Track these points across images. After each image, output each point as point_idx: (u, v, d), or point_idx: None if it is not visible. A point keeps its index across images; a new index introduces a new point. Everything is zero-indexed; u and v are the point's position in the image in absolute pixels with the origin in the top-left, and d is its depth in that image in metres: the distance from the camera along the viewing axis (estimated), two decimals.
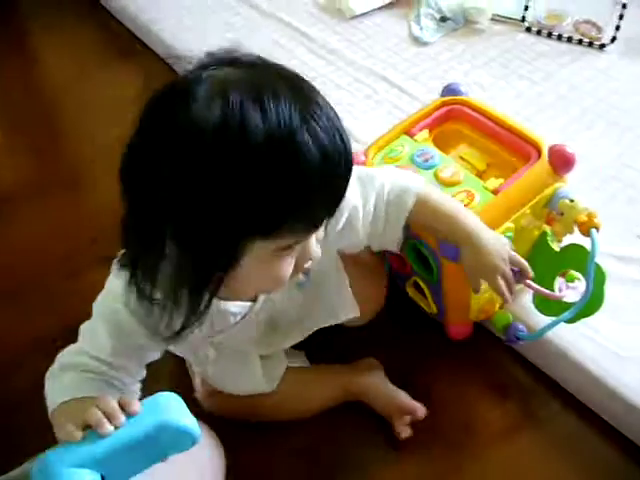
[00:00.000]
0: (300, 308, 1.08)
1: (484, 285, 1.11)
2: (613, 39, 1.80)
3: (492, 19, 1.91)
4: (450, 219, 1.01)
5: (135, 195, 0.76)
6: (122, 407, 0.71)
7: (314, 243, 0.81)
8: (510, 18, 1.92)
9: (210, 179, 0.69)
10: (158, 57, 1.97)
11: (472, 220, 1.01)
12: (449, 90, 1.27)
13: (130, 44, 2.07)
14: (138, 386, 0.91)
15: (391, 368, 1.20)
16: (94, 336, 0.86)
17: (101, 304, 0.89)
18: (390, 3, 2.00)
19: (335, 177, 0.73)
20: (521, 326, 1.15)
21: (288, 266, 0.79)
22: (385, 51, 1.85)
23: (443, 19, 1.92)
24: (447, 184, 1.12)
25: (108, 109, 1.82)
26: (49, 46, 2.13)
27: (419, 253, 1.14)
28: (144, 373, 0.91)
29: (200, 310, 0.80)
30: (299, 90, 0.73)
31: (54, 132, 1.87)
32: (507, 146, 1.17)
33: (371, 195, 0.98)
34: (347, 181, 0.76)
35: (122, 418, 0.70)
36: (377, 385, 1.16)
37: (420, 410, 1.12)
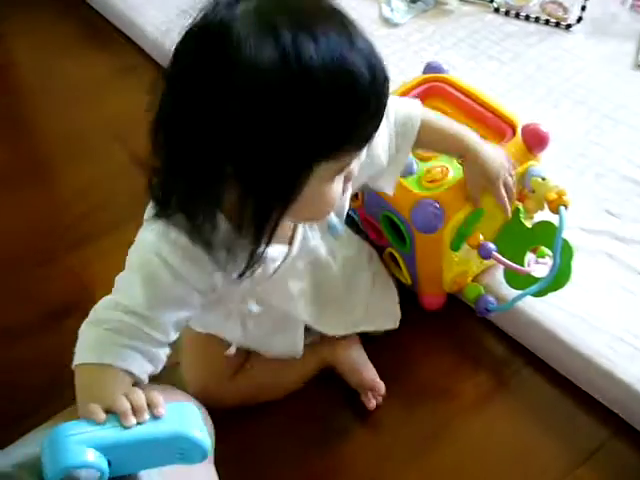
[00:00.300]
0: (340, 283, 1.13)
1: (457, 258, 1.15)
2: (579, 19, 1.84)
3: (461, 0, 1.94)
4: (452, 136, 1.07)
5: (187, 140, 0.77)
6: (149, 404, 0.72)
7: (357, 163, 0.84)
8: None
9: (276, 113, 0.72)
10: (137, 47, 1.98)
11: (472, 134, 1.09)
12: (431, 68, 1.30)
13: (107, 35, 2.06)
14: (166, 352, 0.88)
15: (366, 338, 1.23)
16: (129, 287, 0.85)
17: (134, 256, 0.87)
18: None
19: (381, 94, 0.77)
20: (491, 298, 1.19)
21: (339, 188, 0.83)
22: None
23: (413, 0, 1.94)
24: (423, 159, 1.16)
25: (83, 101, 1.83)
26: (22, 40, 2.12)
27: (393, 224, 1.18)
28: (175, 336, 0.88)
29: (265, 244, 0.83)
30: (332, 13, 0.76)
31: (28, 125, 1.85)
32: (483, 124, 1.21)
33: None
34: (388, 97, 0.80)
35: (147, 417, 0.71)
36: (347, 358, 1.19)
37: (380, 388, 1.16)
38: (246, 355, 1.16)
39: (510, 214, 1.12)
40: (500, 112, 1.20)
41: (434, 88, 1.27)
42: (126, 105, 1.77)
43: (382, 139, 1.01)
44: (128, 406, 0.72)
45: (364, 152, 0.85)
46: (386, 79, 0.77)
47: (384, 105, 0.79)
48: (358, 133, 0.77)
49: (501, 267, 1.23)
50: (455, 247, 1.15)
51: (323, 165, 0.77)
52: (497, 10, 1.92)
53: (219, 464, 0.96)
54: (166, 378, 0.93)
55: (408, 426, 1.16)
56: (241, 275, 0.87)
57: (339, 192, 0.84)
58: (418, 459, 1.12)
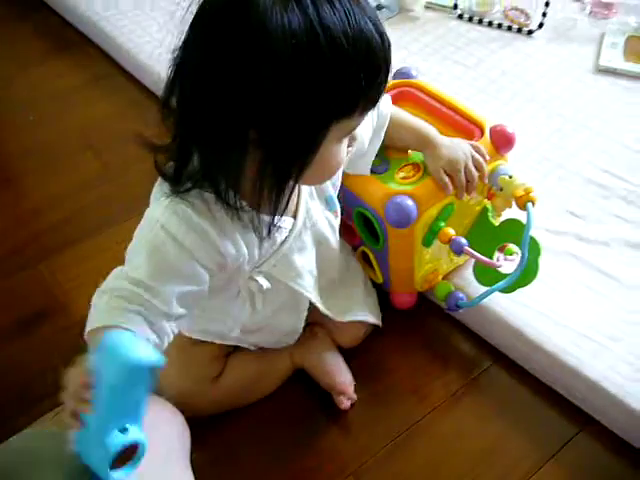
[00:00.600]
0: (340, 262, 1.18)
1: (428, 255, 1.17)
2: (540, 25, 1.88)
3: (426, 7, 1.98)
4: (416, 130, 1.15)
5: (214, 106, 0.80)
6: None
7: (359, 126, 0.89)
8: (443, 6, 1.99)
9: (301, 74, 0.76)
10: (107, 57, 1.98)
11: (433, 129, 1.16)
12: (401, 74, 1.32)
13: (76, 44, 2.06)
14: (172, 326, 0.89)
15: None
16: (135, 258, 0.87)
17: (142, 229, 0.90)
18: None
19: (389, 58, 0.82)
20: (461, 295, 1.22)
21: (345, 149, 0.89)
22: None
23: (378, 7, 1.97)
24: (395, 157, 1.18)
25: (53, 110, 1.83)
26: None
27: (366, 222, 1.20)
28: (180, 311, 0.89)
29: (285, 203, 0.88)
30: None
31: None
32: (453, 126, 1.24)
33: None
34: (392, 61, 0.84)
35: (87, 394, 0.73)
36: (319, 362, 1.21)
37: (348, 393, 1.18)
38: (224, 363, 1.18)
39: (462, 198, 1.15)
40: (468, 114, 1.23)
41: (404, 93, 1.29)
42: (96, 114, 1.78)
43: (366, 122, 1.05)
44: (72, 406, 0.74)
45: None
46: (390, 44, 0.82)
47: (390, 69, 0.84)
48: (370, 94, 0.82)
49: (469, 267, 1.26)
50: (427, 243, 1.17)
51: (338, 125, 0.82)
52: (461, 16, 1.96)
53: (197, 470, 0.97)
54: None
55: (380, 425, 1.17)
56: (261, 240, 0.91)
57: (345, 154, 0.89)
58: (392, 458, 1.13)
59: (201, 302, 0.95)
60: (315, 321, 1.22)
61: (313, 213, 1.05)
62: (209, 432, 1.14)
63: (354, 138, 0.90)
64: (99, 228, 1.46)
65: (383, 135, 1.14)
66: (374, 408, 1.20)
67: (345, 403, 1.18)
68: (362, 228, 1.22)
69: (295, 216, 1.01)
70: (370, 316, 1.23)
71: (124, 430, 0.74)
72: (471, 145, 1.16)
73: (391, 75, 1.20)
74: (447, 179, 1.12)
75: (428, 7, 1.99)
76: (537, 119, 1.64)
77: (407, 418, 1.18)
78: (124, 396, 0.74)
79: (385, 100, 1.15)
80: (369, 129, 1.11)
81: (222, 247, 0.90)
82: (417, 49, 1.86)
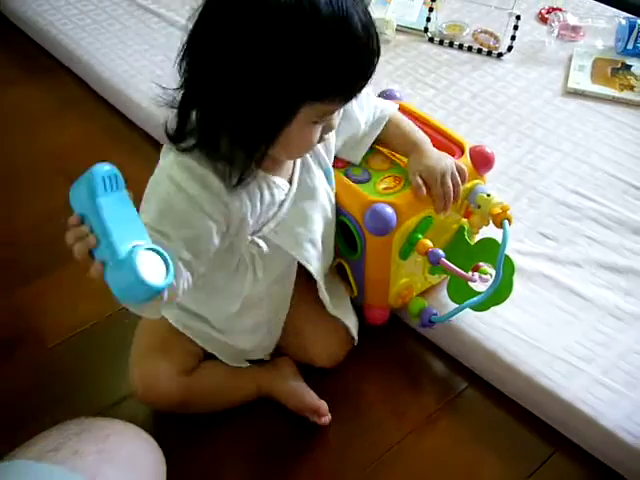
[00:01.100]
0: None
1: (404, 269, 1.19)
2: (509, 48, 1.92)
3: (397, 30, 2.00)
4: (407, 133, 1.19)
5: (211, 76, 0.87)
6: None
7: (337, 117, 0.96)
8: (413, 29, 2.02)
9: (288, 49, 0.82)
10: (79, 80, 1.97)
11: (422, 135, 1.19)
12: (385, 95, 1.34)
13: (48, 68, 2.04)
14: (183, 271, 0.93)
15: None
16: (146, 203, 0.93)
17: (152, 180, 0.96)
18: None
19: (373, 53, 0.87)
20: (435, 310, 1.23)
21: (317, 133, 0.94)
22: None
23: None
24: (377, 169, 1.20)
25: (25, 134, 1.81)
26: None
27: (345, 232, 1.20)
28: (187, 255, 0.93)
29: (257, 158, 0.93)
30: None
31: None
32: (434, 145, 1.24)
33: (369, 109, 1.17)
34: (377, 59, 0.89)
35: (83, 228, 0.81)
36: (286, 386, 1.21)
37: (322, 407, 1.18)
38: (196, 363, 1.18)
39: (439, 212, 1.17)
40: (449, 135, 1.26)
41: None
42: (69, 138, 1.77)
43: (366, 112, 1.16)
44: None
45: (341, 110, 0.96)
46: (378, 40, 0.87)
47: (374, 65, 0.88)
48: (346, 83, 0.87)
49: (443, 288, 1.27)
50: (404, 255, 1.18)
51: (310, 107, 0.87)
52: (431, 39, 1.98)
53: None
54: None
55: (356, 449, 1.17)
56: (241, 177, 0.94)
57: (317, 137, 0.95)
58: None
59: (201, 281, 0.99)
60: (289, 344, 1.24)
61: (312, 184, 1.10)
62: (184, 454, 1.14)
63: (330, 128, 0.96)
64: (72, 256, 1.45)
65: (380, 131, 1.19)
66: (350, 432, 1.19)
67: (324, 419, 1.18)
68: (340, 238, 1.23)
69: (291, 181, 1.07)
70: (353, 329, 1.24)
71: (135, 247, 0.78)
72: (455, 163, 1.17)
73: (376, 94, 1.25)
74: (421, 182, 1.14)
75: (399, 30, 2.01)
76: (508, 141, 1.66)
77: (384, 442, 1.18)
78: (114, 214, 0.79)
79: (391, 104, 1.22)
80: (365, 119, 1.16)
81: (225, 197, 0.95)
82: (388, 72, 1.88)
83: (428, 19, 1.97)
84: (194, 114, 0.94)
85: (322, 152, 1.11)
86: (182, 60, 0.90)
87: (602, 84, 1.80)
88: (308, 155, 1.08)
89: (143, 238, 0.80)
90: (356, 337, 1.25)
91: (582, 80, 1.81)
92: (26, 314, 1.38)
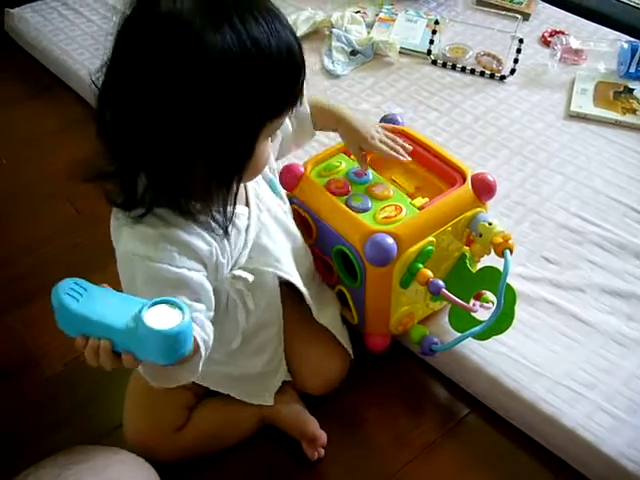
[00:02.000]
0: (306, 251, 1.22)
1: (405, 297, 1.19)
2: (512, 71, 1.92)
3: (400, 52, 2.01)
4: (328, 111, 1.23)
5: (157, 134, 0.85)
6: None
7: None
8: (416, 51, 2.02)
9: (241, 84, 0.84)
10: (82, 101, 1.97)
11: (344, 109, 1.25)
12: (387, 120, 1.35)
13: (52, 88, 2.05)
14: (209, 323, 0.95)
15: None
16: (135, 293, 0.89)
17: (123, 266, 0.94)
18: (302, 37, 2.06)
19: (304, 63, 0.91)
20: (436, 339, 1.23)
21: (269, 146, 0.97)
22: None
23: (353, 52, 2.00)
24: (378, 198, 1.19)
25: (28, 155, 1.82)
26: None
27: (345, 260, 1.20)
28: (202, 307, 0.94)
29: (234, 197, 0.94)
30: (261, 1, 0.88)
31: None
32: (436, 172, 1.26)
33: None
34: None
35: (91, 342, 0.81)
36: (288, 415, 1.20)
37: (322, 439, 1.18)
38: (188, 411, 1.17)
39: (403, 159, 1.20)
40: (451, 162, 1.25)
41: None
42: (71, 159, 1.77)
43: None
44: None
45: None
46: (301, 48, 0.90)
47: (304, 74, 0.92)
48: (295, 92, 0.91)
49: (445, 314, 1.27)
50: (405, 284, 1.18)
51: (269, 125, 0.90)
52: (435, 62, 1.99)
53: None
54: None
55: (357, 476, 1.17)
56: (226, 230, 0.96)
57: (270, 149, 0.99)
58: None
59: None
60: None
61: (264, 197, 1.11)
62: None
63: (275, 137, 1.00)
64: (74, 275, 1.43)
65: (310, 120, 1.22)
66: (351, 459, 1.19)
67: (314, 454, 1.17)
68: (340, 266, 1.22)
69: (247, 204, 1.07)
70: (342, 338, 1.24)
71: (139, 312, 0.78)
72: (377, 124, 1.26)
73: (377, 120, 1.29)
74: (363, 154, 1.20)
75: (402, 52, 2.01)
76: (511, 165, 1.66)
77: (385, 469, 1.17)
78: (101, 309, 0.80)
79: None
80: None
81: (190, 242, 0.94)
82: (392, 94, 1.89)
83: (431, 42, 1.98)
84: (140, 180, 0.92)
85: None
86: (113, 124, 0.90)
87: (604, 107, 1.80)
88: None
89: (141, 303, 0.80)
90: (348, 348, 1.24)
91: (584, 103, 1.81)
92: (20, 343, 1.36)
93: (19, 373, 1.31)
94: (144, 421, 1.13)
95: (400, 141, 1.23)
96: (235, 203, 0.95)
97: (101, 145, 0.91)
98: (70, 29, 2.15)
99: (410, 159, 1.23)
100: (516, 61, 1.91)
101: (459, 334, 1.21)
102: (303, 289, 1.15)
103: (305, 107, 1.21)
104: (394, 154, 1.20)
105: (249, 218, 1.06)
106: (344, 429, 1.22)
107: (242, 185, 1.04)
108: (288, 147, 1.23)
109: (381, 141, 1.21)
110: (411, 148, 1.23)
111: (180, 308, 0.79)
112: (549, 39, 2.05)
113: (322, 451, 1.18)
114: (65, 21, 2.19)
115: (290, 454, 1.19)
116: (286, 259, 1.12)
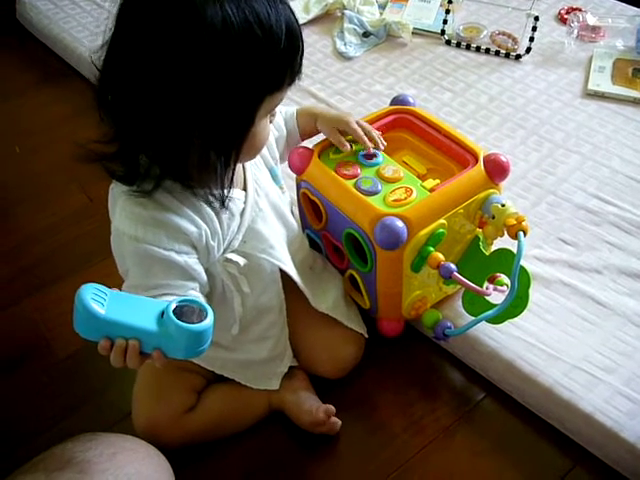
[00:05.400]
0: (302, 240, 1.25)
1: (416, 281, 1.17)
2: (528, 50, 1.88)
3: (413, 33, 1.97)
4: (308, 112, 1.24)
5: (157, 105, 0.87)
6: None
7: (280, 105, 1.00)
8: (430, 32, 1.99)
9: (239, 57, 0.85)
10: (86, 81, 1.94)
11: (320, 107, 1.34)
12: (398, 101, 1.32)
13: (61, 75, 2.05)
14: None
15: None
16: (125, 270, 0.97)
17: (115, 243, 0.98)
18: (314, 19, 2.04)
19: (302, 42, 0.93)
20: (449, 323, 1.21)
21: (268, 124, 0.99)
22: (311, 67, 1.89)
23: (366, 34, 1.97)
24: (388, 180, 1.17)
25: (39, 142, 1.82)
26: None
27: (355, 246, 1.19)
28: (194, 284, 0.98)
29: (230, 175, 0.96)
30: None
31: None
32: (447, 153, 1.24)
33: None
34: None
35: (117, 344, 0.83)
36: (295, 401, 1.19)
37: (334, 425, 1.17)
38: (197, 395, 1.16)
39: (369, 145, 1.20)
40: (463, 142, 1.23)
41: (401, 119, 1.29)
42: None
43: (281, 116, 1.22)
44: None
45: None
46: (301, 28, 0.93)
47: (303, 52, 0.94)
48: (294, 66, 0.93)
49: (459, 298, 1.25)
50: (416, 268, 1.16)
51: (269, 98, 0.92)
52: (448, 42, 1.96)
53: None
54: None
55: (373, 463, 1.16)
56: (217, 214, 0.99)
57: (269, 129, 1.00)
58: None
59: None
60: (297, 358, 1.23)
61: (263, 183, 1.12)
62: (196, 469, 1.13)
63: (274, 114, 1.00)
64: (87, 262, 1.46)
65: (295, 122, 1.23)
66: (366, 445, 1.18)
67: (336, 425, 1.17)
68: (351, 250, 1.21)
69: (245, 188, 1.08)
70: (350, 322, 1.23)
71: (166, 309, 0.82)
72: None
73: (388, 102, 1.27)
74: (342, 138, 1.20)
75: (415, 33, 1.98)
76: (527, 145, 1.63)
77: (400, 455, 1.16)
78: (127, 312, 0.82)
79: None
80: (283, 122, 1.23)
81: (180, 225, 0.95)
82: (405, 75, 1.86)
83: (445, 21, 1.95)
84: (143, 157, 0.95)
85: (265, 151, 1.13)
86: (114, 102, 0.90)
87: (623, 85, 1.76)
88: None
89: (160, 303, 0.84)
90: (360, 330, 1.24)
91: (602, 82, 1.78)
92: (35, 327, 1.37)
93: (31, 360, 1.32)
94: (153, 404, 1.13)
95: (376, 133, 1.22)
96: (233, 177, 0.98)
97: (102, 119, 0.92)
98: (81, 16, 2.14)
99: (382, 149, 1.22)
100: (532, 39, 1.87)
101: (473, 318, 1.19)
102: (296, 277, 1.15)
103: (293, 119, 1.23)
104: (365, 139, 1.19)
105: (245, 202, 1.06)
106: (358, 415, 1.21)
107: (240, 168, 1.06)
108: (284, 151, 1.24)
109: (358, 124, 1.21)
110: (385, 145, 1.22)
111: (201, 306, 0.84)
112: (565, 16, 2.00)
113: (338, 422, 1.17)
114: (76, 8, 2.17)
115: (301, 440, 1.18)
116: (280, 246, 1.12)
